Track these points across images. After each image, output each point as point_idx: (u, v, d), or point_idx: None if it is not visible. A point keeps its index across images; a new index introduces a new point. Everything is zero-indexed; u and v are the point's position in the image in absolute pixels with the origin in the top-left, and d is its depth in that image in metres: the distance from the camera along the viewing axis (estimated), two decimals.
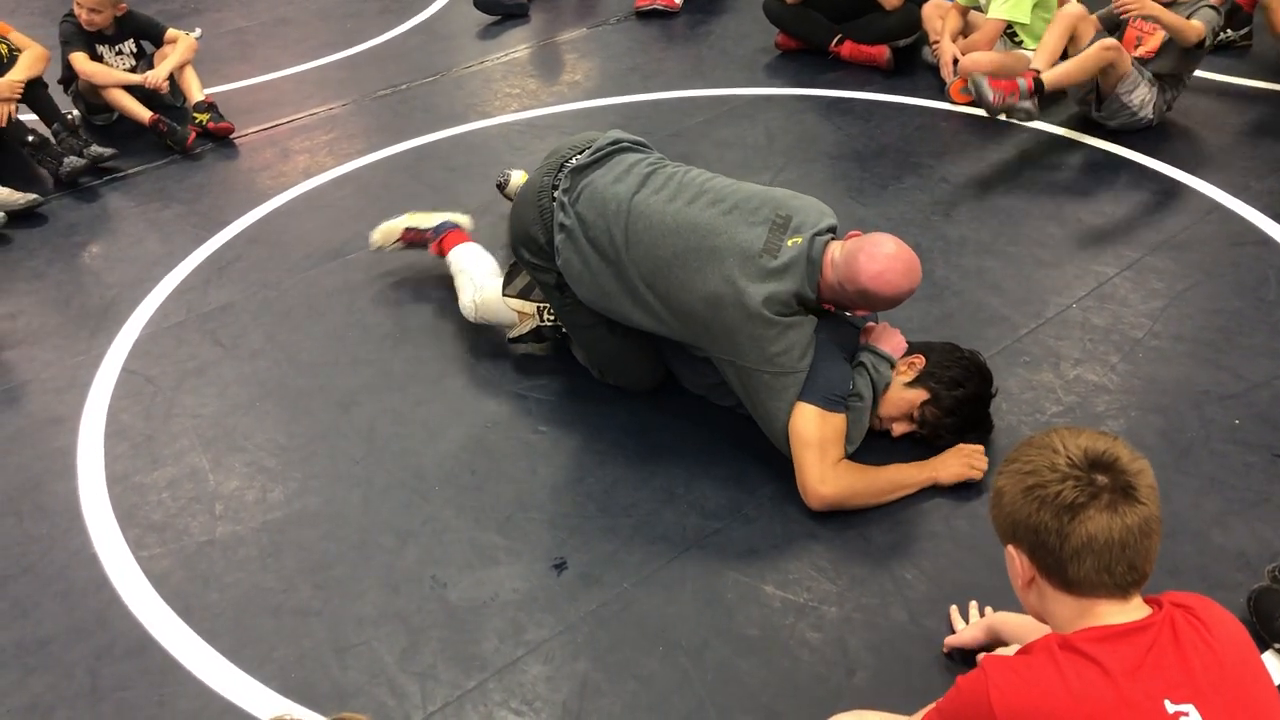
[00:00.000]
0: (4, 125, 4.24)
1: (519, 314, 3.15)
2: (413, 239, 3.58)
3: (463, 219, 3.61)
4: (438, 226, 3.55)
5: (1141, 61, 4.24)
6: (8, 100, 4.25)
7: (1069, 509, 1.51)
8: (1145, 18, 4.10)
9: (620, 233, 2.69)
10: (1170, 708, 1.42)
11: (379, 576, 2.53)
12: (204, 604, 2.48)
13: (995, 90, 4.07)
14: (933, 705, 1.62)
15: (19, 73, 4.30)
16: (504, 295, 3.17)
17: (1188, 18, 4.08)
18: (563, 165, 2.86)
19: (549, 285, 2.92)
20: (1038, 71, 4.08)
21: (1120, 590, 1.52)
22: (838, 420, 2.59)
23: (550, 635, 2.36)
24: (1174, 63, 4.19)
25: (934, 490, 2.67)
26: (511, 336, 3.19)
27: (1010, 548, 1.62)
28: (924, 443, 2.78)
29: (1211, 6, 4.14)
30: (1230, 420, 2.85)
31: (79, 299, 3.66)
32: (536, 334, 3.16)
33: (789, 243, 2.57)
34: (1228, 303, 3.31)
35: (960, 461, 2.68)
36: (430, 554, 2.58)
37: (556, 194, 2.83)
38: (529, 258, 2.92)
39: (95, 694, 2.28)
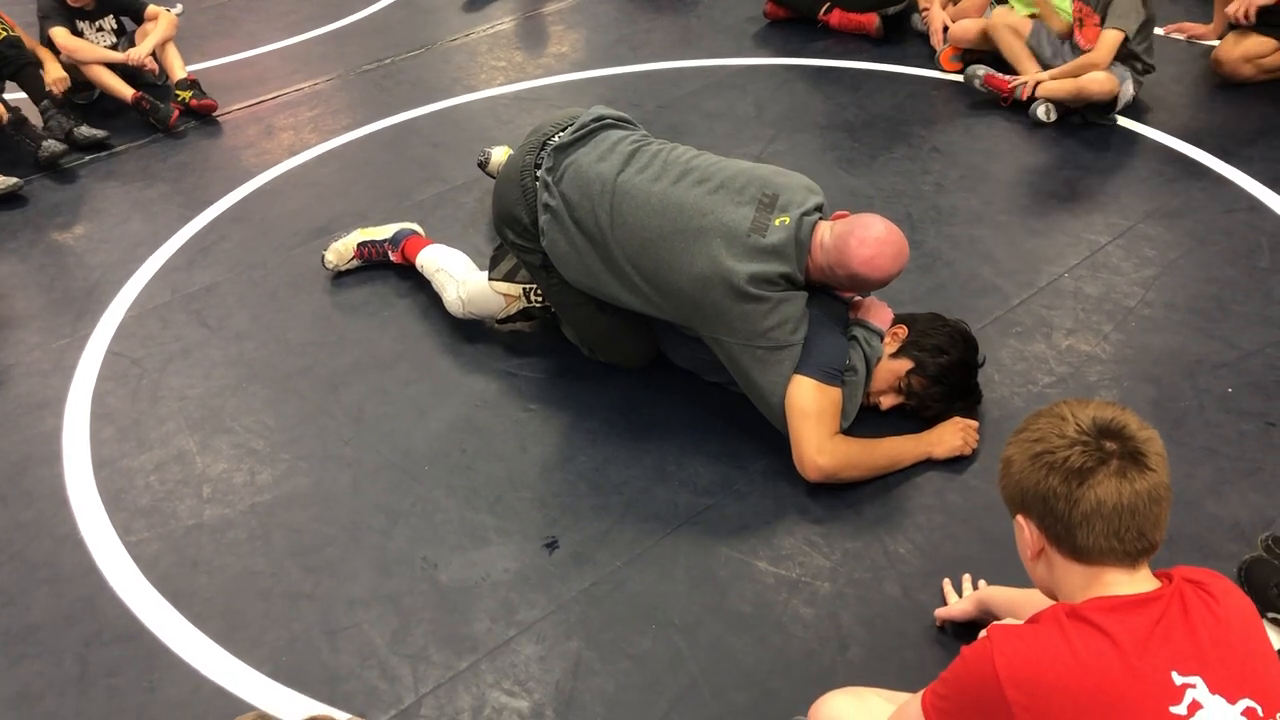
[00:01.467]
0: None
1: (505, 297, 3.11)
2: (370, 254, 3.50)
3: (416, 226, 3.55)
4: (394, 236, 3.48)
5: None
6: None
7: (1078, 474, 1.50)
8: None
9: (605, 213, 2.65)
10: (1178, 679, 1.40)
11: (370, 558, 2.51)
12: (193, 588, 2.46)
13: (989, 88, 4.27)
14: (936, 680, 1.60)
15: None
16: (490, 280, 3.12)
17: (1103, 17, 4.04)
18: (545, 143, 2.82)
19: (535, 266, 2.89)
20: (1033, 87, 4.19)
21: (1129, 558, 1.50)
22: (835, 393, 2.57)
23: (542, 615, 2.34)
24: (1122, 51, 4.11)
25: (927, 464, 2.66)
26: (499, 319, 3.16)
27: (1019, 518, 1.60)
28: (914, 417, 2.77)
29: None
30: (1223, 389, 2.84)
31: (63, 281, 3.62)
32: (524, 314, 3.13)
33: (776, 221, 2.54)
34: (1220, 271, 3.29)
35: (954, 435, 2.67)
36: (421, 535, 2.56)
37: (539, 173, 2.79)
38: (513, 238, 2.88)
39: (84, 680, 2.27)
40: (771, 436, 2.69)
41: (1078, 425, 1.53)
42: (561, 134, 2.82)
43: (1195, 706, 1.39)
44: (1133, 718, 1.39)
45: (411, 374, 3.08)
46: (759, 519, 2.55)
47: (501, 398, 2.98)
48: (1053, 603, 1.60)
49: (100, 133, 4.36)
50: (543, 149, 2.81)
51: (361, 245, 3.50)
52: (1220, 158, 3.86)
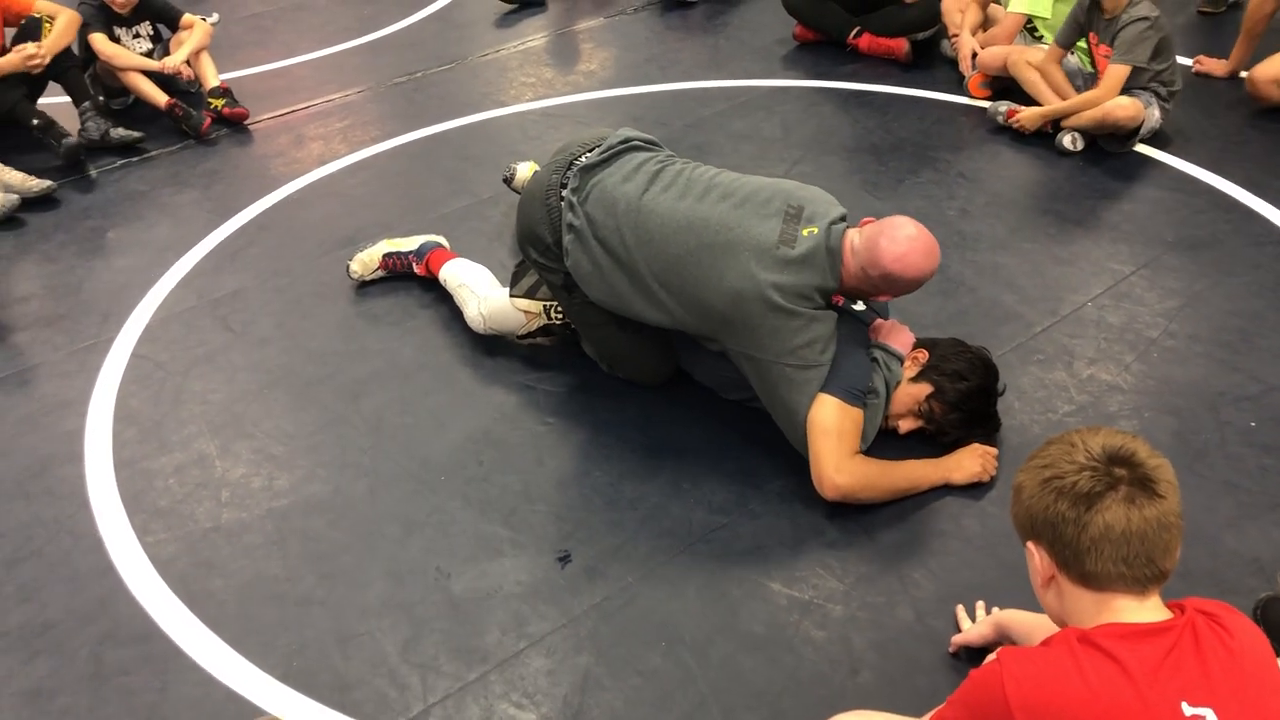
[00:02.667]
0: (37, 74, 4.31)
1: (526, 314, 3.12)
2: (394, 265, 3.52)
3: (441, 239, 3.57)
4: (419, 248, 3.51)
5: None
6: (34, 67, 4.26)
7: (1086, 498, 1.50)
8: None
9: (631, 232, 2.66)
10: (1188, 710, 1.40)
11: (384, 566, 2.52)
12: (208, 591, 2.48)
13: (1011, 121, 4.28)
14: (944, 703, 1.59)
15: (56, 39, 4.33)
16: (511, 296, 3.12)
17: (1112, 41, 4.02)
18: (571, 163, 2.84)
19: (557, 285, 2.90)
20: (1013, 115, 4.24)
21: (1138, 585, 1.50)
22: (857, 414, 2.57)
23: (553, 629, 2.34)
24: (1145, 77, 4.07)
25: (943, 489, 2.65)
26: (519, 335, 3.17)
27: (1030, 544, 1.60)
28: (931, 441, 2.76)
29: (1141, 19, 3.96)
30: (1246, 423, 2.81)
31: (91, 283, 3.66)
32: (544, 330, 3.14)
33: (804, 232, 2.55)
34: (1246, 303, 3.27)
35: (973, 461, 2.66)
36: (435, 545, 2.57)
37: (565, 193, 2.80)
38: (536, 257, 2.89)
39: (98, 679, 2.28)
40: (788, 457, 2.69)
41: (1087, 452, 1.54)
42: (588, 154, 2.83)
43: None
44: None
45: (431, 385, 3.10)
46: (773, 539, 2.55)
47: (520, 411, 2.99)
48: None
49: (135, 134, 4.43)
50: (569, 169, 2.83)
51: (387, 256, 3.53)
52: (1249, 190, 3.84)
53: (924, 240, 2.55)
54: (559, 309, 3.05)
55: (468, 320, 3.23)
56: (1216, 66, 4.70)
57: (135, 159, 4.45)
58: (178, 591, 2.48)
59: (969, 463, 2.66)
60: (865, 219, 2.66)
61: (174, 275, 3.67)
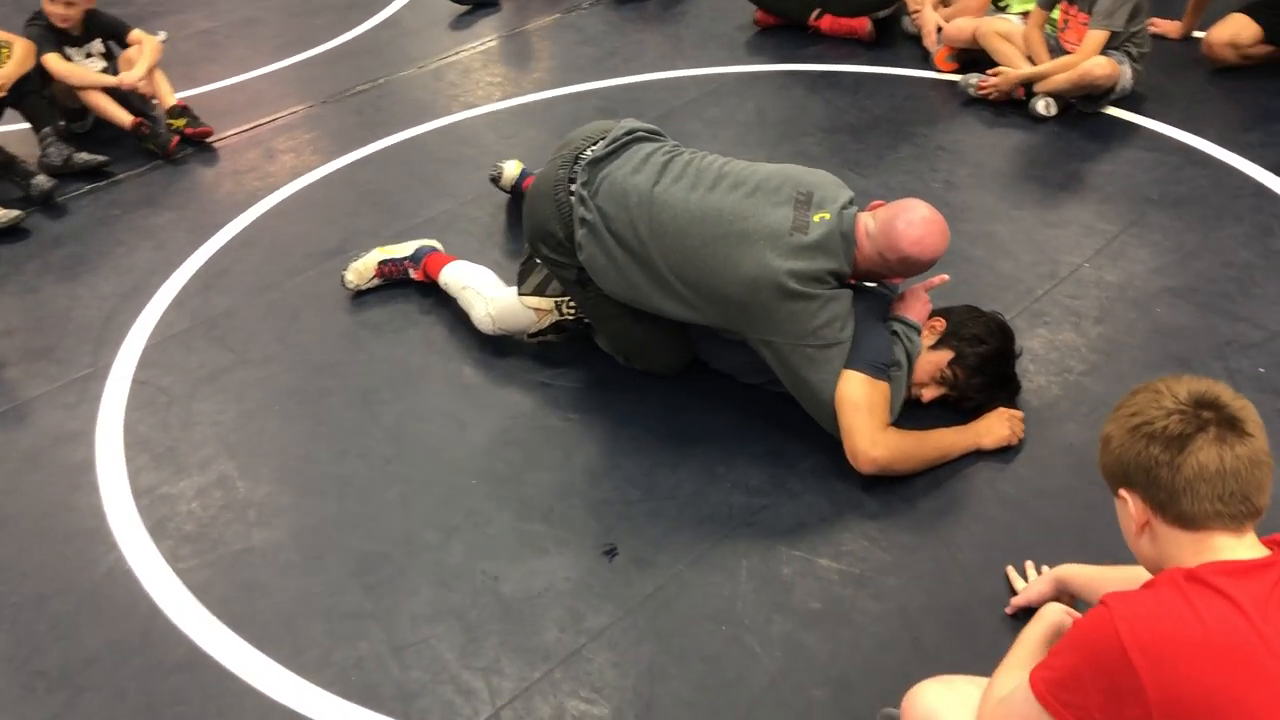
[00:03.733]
0: None
1: (537, 311, 3.08)
2: (390, 272, 3.46)
3: (436, 243, 3.54)
4: (415, 253, 3.46)
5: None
6: None
7: (1178, 440, 1.53)
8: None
9: (645, 225, 2.66)
10: None
11: (428, 573, 2.49)
12: (251, 612, 2.43)
13: (983, 93, 4.35)
14: (1044, 659, 1.61)
15: (14, 67, 4.23)
16: (520, 294, 3.09)
17: (1090, 7, 4.09)
18: (577, 158, 2.82)
19: (570, 280, 2.89)
20: (1028, 86, 4.24)
21: (1235, 522, 1.52)
22: (884, 387, 2.59)
23: (611, 621, 2.34)
24: (1119, 39, 4.15)
25: (975, 456, 2.68)
26: (531, 333, 3.15)
27: (1122, 492, 1.62)
28: (955, 409, 2.79)
29: None
30: (1255, 369, 2.88)
31: (77, 311, 3.57)
32: (556, 327, 3.12)
33: (815, 218, 2.57)
34: (1235, 254, 3.35)
35: (1002, 425, 2.69)
36: (477, 548, 2.55)
37: (574, 187, 2.79)
38: (547, 253, 2.87)
39: (151, 710, 2.23)
40: (816, 435, 2.70)
41: (1174, 397, 1.57)
42: (594, 148, 2.82)
43: None
44: (1261, 679, 1.40)
45: (445, 390, 3.07)
46: (815, 517, 2.56)
47: (539, 409, 2.97)
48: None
49: (100, 157, 4.32)
50: (575, 163, 2.81)
51: (382, 264, 3.48)
52: (1221, 145, 3.93)
53: (939, 222, 2.62)
54: (571, 304, 3.04)
55: (475, 322, 3.19)
56: (1171, 28, 4.80)
57: (103, 183, 4.34)
58: (220, 616, 2.43)
59: (998, 427, 2.70)
60: (875, 202, 2.69)
61: (163, 298, 3.58)
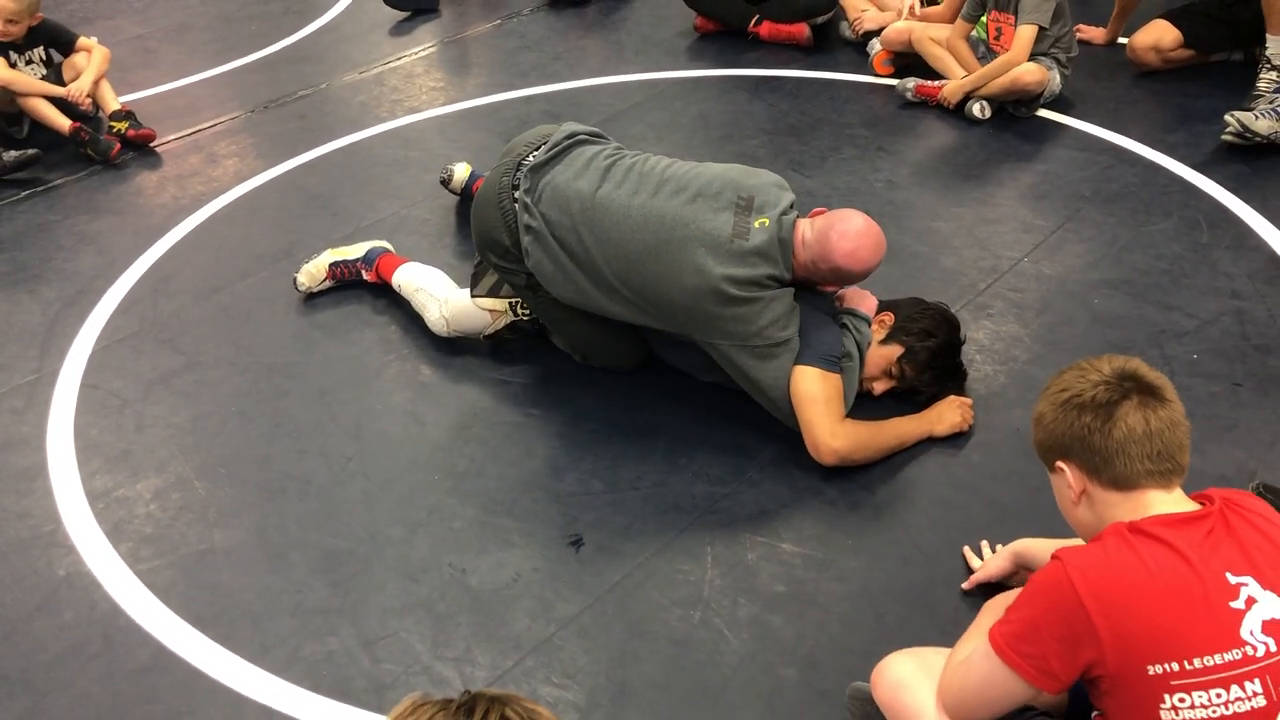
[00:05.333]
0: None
1: (491, 312, 3.09)
2: (342, 274, 3.46)
3: (387, 244, 3.53)
4: (367, 254, 3.45)
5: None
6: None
7: (1105, 406, 1.68)
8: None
9: (588, 231, 2.69)
10: (1232, 579, 1.57)
11: (395, 568, 2.50)
12: (216, 611, 2.42)
13: (920, 96, 4.48)
14: (1001, 617, 1.68)
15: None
16: (474, 296, 3.10)
17: (1015, 9, 4.24)
18: (520, 164, 2.84)
19: (520, 285, 2.91)
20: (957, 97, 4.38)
21: (1164, 478, 1.67)
22: (836, 379, 2.65)
23: (580, 609, 2.37)
24: (1046, 43, 4.30)
25: (928, 443, 2.76)
26: (486, 334, 3.16)
27: (1058, 464, 1.75)
28: (906, 399, 2.86)
29: None
30: (1189, 356, 3.00)
31: (19, 317, 3.50)
32: (511, 327, 3.14)
33: (756, 224, 2.62)
34: (1167, 248, 3.48)
35: (953, 412, 2.77)
36: (443, 542, 2.56)
37: (517, 194, 2.81)
38: (496, 260, 2.89)
39: (118, 711, 2.21)
40: (775, 426, 2.76)
41: (1098, 371, 1.73)
42: (535, 154, 2.84)
43: (1251, 601, 1.56)
44: (1201, 611, 1.54)
45: (403, 389, 3.08)
46: (776, 504, 2.62)
47: (499, 405, 2.99)
48: None
49: (30, 151, 4.24)
50: (518, 170, 2.84)
51: (334, 265, 3.47)
52: (1148, 145, 4.08)
53: (873, 235, 2.67)
54: (525, 305, 3.06)
55: (429, 324, 3.20)
56: (1096, 34, 4.97)
57: (40, 189, 4.27)
58: (185, 615, 2.41)
59: (950, 414, 2.78)
60: (817, 209, 2.76)
61: (109, 303, 3.54)
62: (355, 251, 3.49)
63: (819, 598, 2.37)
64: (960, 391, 2.87)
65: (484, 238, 2.89)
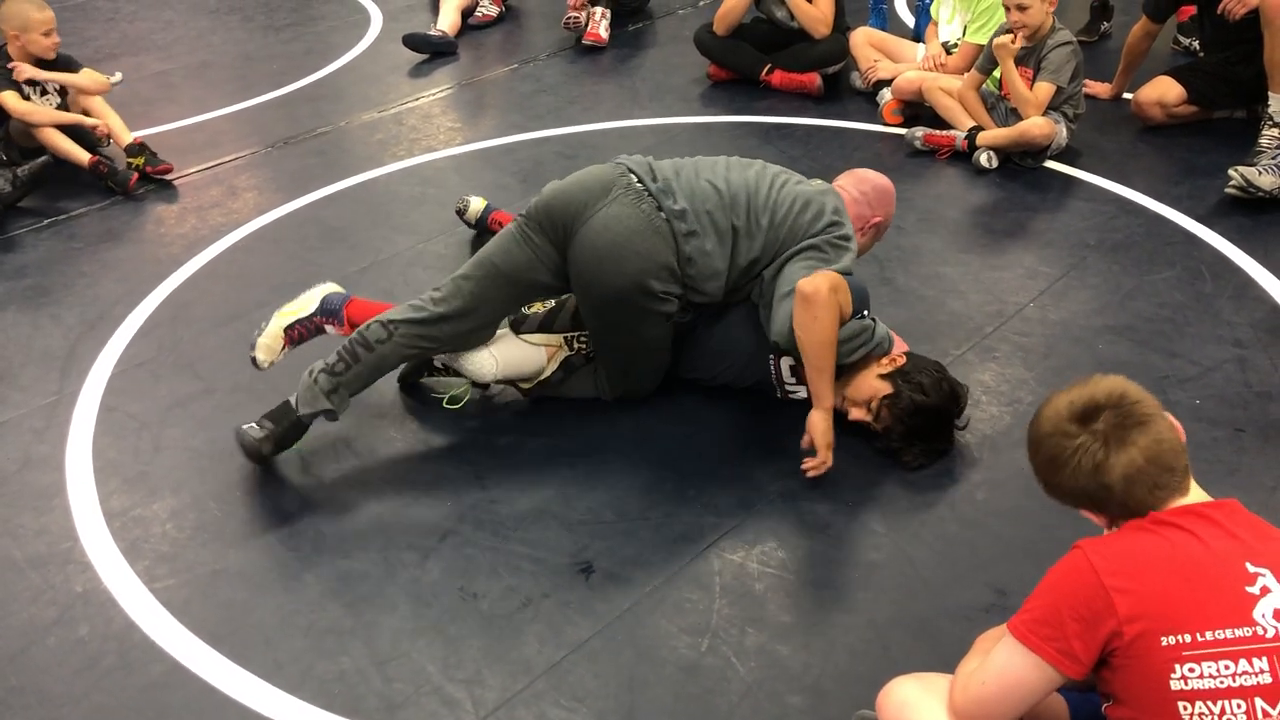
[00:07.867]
0: None
1: (546, 348, 3.05)
2: (300, 334, 3.06)
3: (335, 285, 3.15)
4: (323, 305, 3.06)
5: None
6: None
7: (1096, 469, 1.73)
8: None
9: (722, 181, 2.94)
10: (1250, 567, 1.64)
11: (407, 591, 2.53)
12: (231, 629, 2.45)
13: (929, 145, 4.57)
14: (1019, 610, 1.73)
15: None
16: (521, 336, 3.03)
17: (1036, 70, 4.35)
18: (646, 190, 2.87)
19: (668, 313, 2.91)
20: (972, 137, 4.45)
21: (1177, 491, 1.74)
22: (849, 295, 2.77)
23: (590, 634, 2.40)
24: (1059, 100, 4.39)
25: (929, 475, 2.81)
26: (540, 379, 3.07)
27: (1083, 512, 1.84)
28: (871, 438, 2.91)
29: (1066, 43, 4.32)
30: (1192, 401, 3.05)
31: (40, 340, 3.56)
32: (566, 364, 3.09)
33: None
34: (1170, 296, 3.54)
35: (827, 435, 2.76)
36: (455, 566, 2.59)
37: (662, 212, 2.85)
38: (659, 289, 2.84)
39: None
40: (783, 460, 2.81)
41: (1067, 431, 1.76)
42: (642, 181, 2.90)
43: (1266, 590, 1.63)
44: (1218, 589, 1.62)
45: (414, 417, 3.12)
46: (782, 536, 2.65)
47: (511, 434, 3.04)
48: None
49: (40, 160, 4.33)
50: (647, 194, 2.87)
51: (288, 329, 3.05)
52: (1152, 196, 4.16)
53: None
54: (581, 336, 3.07)
55: (470, 367, 3.01)
56: (1101, 89, 5.07)
57: (62, 217, 4.35)
58: (199, 633, 2.44)
59: (824, 434, 2.76)
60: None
61: (128, 328, 3.60)
62: (307, 306, 3.08)
63: (825, 628, 2.40)
64: (916, 460, 2.84)
65: (648, 271, 2.83)
